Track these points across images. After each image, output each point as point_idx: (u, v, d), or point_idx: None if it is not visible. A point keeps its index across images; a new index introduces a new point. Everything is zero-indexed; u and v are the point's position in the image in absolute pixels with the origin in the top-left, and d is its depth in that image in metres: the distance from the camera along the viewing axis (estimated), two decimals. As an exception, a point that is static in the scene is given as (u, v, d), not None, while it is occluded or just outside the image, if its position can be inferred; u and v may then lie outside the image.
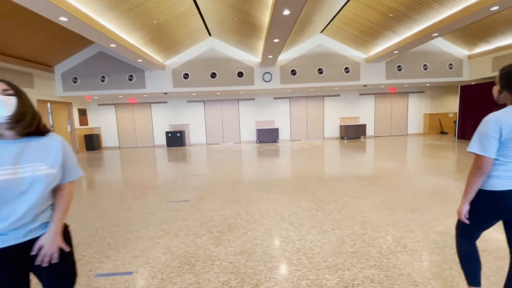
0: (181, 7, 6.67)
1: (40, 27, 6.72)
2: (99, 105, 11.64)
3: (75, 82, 9.53)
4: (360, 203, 3.38)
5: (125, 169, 6.78)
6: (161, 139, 11.92)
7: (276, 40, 6.69)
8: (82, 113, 11.12)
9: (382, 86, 11.22)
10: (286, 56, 9.84)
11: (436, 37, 7.01)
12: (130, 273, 2.06)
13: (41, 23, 6.46)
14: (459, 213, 1.47)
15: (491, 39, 8.75)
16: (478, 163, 1.36)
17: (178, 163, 7.41)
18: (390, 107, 12.36)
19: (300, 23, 7.11)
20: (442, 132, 12.34)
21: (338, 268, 2.00)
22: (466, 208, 1.45)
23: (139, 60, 8.22)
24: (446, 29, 6.41)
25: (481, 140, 1.34)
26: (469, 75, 10.07)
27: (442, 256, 2.11)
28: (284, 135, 12.24)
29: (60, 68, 9.49)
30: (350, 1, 7.08)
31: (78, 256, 2.31)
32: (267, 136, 11.73)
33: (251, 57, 9.72)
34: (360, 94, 12.11)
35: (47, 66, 9.13)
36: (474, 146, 1.37)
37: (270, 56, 8.34)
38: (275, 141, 11.85)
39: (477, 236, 1.52)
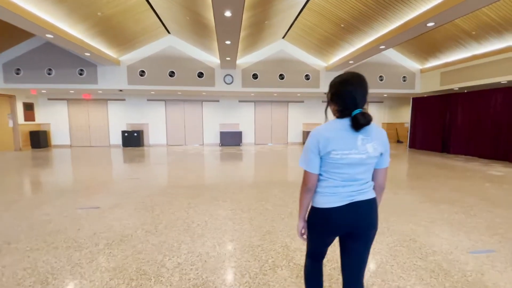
0: (129, 0, 6.34)
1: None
2: (49, 99, 10.84)
3: (17, 73, 8.77)
4: (276, 211, 3.30)
5: (58, 169, 6.28)
6: (117, 139, 11.34)
7: (227, 42, 6.57)
8: (28, 107, 10.29)
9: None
10: (248, 59, 9.77)
11: (384, 49, 7.26)
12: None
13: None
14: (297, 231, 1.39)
15: (439, 55, 9.28)
16: (304, 179, 1.28)
17: (120, 164, 7.02)
18: (351, 115, 12.69)
19: (254, 26, 7.06)
20: (398, 141, 12.90)
21: (207, 287, 1.86)
22: (300, 225, 1.37)
23: (86, 54, 7.72)
24: (391, 42, 6.66)
25: (305, 154, 1.26)
26: (421, 88, 10.61)
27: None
28: (248, 138, 12.15)
29: (3, 58, 8.70)
30: (305, 10, 7.17)
31: None
32: (231, 139, 11.57)
33: (212, 58, 9.53)
34: (323, 101, 12.34)
35: (-16, 55, 8.33)
36: (300, 160, 1.29)
37: (228, 58, 8.21)
38: (239, 145, 11.72)
39: (320, 254, 1.44)
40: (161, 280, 1.94)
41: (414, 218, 3.13)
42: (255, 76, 9.88)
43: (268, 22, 7.03)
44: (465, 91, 9.34)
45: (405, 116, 12.87)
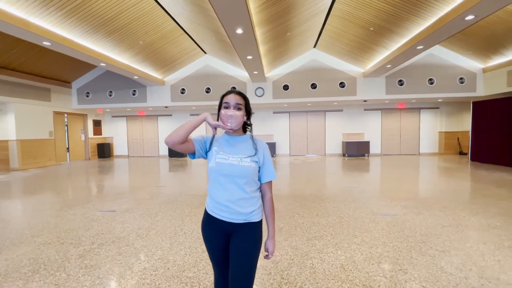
0: (164, 28, 7.18)
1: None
2: (112, 116, 12.78)
3: (87, 96, 10.65)
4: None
5: (110, 175, 7.30)
6: (165, 150, 12.57)
7: (249, 57, 6.80)
8: (97, 124, 12.29)
9: (386, 102, 10.54)
10: (279, 71, 9.86)
11: (422, 49, 6.48)
12: (-20, 275, 2.25)
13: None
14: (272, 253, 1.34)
15: (504, 50, 7.78)
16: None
17: (153, 173, 7.75)
18: (399, 124, 11.48)
19: (276, 39, 7.14)
20: (461, 153, 11.04)
21: (152, 292, 1.96)
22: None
23: (135, 77, 8.94)
24: (429, 41, 5.91)
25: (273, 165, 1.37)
26: (484, 90, 8.99)
27: None
28: (283, 149, 12.06)
29: (76, 84, 10.71)
30: (330, 17, 6.97)
31: (-39, 254, 2.57)
32: (265, 150, 11.64)
33: (243, 73, 9.92)
34: (365, 110, 11.50)
35: (65, 82, 10.38)
36: (275, 173, 1.34)
37: (256, 72, 8.44)
38: (272, 156, 11.71)
39: None
40: (121, 281, 2.11)
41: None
42: (285, 87, 9.88)
43: (290, 34, 7.04)
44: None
45: (468, 123, 10.98)
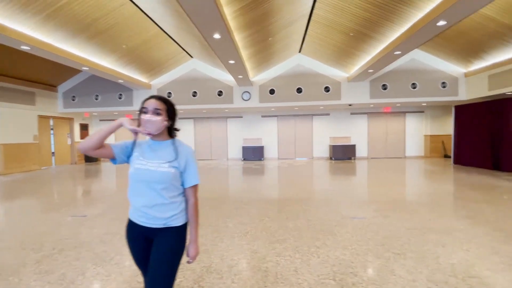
0: (147, 33, 7.20)
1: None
2: (100, 120, 12.70)
3: (73, 100, 10.59)
4: (237, 229, 3.22)
5: (90, 180, 7.24)
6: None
7: (231, 62, 6.86)
8: (84, 127, 12.21)
9: (371, 106, 10.67)
10: (264, 75, 9.94)
11: (400, 55, 6.61)
12: None
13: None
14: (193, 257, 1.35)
15: (485, 55, 7.96)
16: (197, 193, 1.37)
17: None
18: (385, 127, 11.62)
19: (258, 44, 7.21)
20: (446, 156, 11.20)
21: (99, 298, 1.94)
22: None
23: (120, 81, 8.93)
24: (405, 47, 6.03)
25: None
26: (466, 94, 9.16)
27: None
28: (271, 153, 12.09)
29: (62, 88, 10.65)
30: (311, 23, 7.07)
31: None
32: (253, 154, 11.68)
33: (230, 77, 9.97)
34: (351, 114, 11.62)
35: (51, 86, 10.32)
36: (198, 176, 1.35)
37: (240, 76, 8.50)
38: (260, 159, 11.73)
39: None
40: (69, 287, 2.09)
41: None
42: (272, 92, 9.95)
43: (272, 39, 7.12)
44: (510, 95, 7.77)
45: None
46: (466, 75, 9.15)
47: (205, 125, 12.37)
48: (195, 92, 10.15)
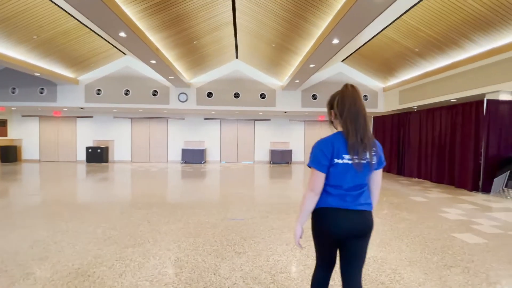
0: (63, 24, 6.72)
1: None
2: (22, 116, 11.48)
3: (-16, 92, 9.42)
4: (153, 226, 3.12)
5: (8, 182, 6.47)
6: (84, 155, 11.64)
7: (153, 62, 6.73)
8: (1, 123, 10.92)
9: (306, 113, 11.27)
10: (202, 78, 9.94)
11: (315, 68, 7.10)
12: None
13: None
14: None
15: (396, 73, 8.96)
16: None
17: (45, 181, 7.12)
18: (319, 134, 12.36)
19: (182, 46, 7.19)
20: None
21: None
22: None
23: (36, 74, 8.19)
24: (315, 60, 6.49)
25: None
26: (384, 107, 10.19)
27: None
28: (213, 156, 12.07)
29: (-29, 78, 9.43)
30: (238, 31, 7.26)
31: None
32: (193, 156, 11.53)
33: (166, 77, 9.78)
34: (290, 120, 12.15)
35: (-45, 75, 9.06)
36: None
37: (172, 77, 8.38)
38: (201, 162, 11.63)
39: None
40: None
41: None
42: (209, 95, 9.98)
43: (197, 42, 7.16)
44: (415, 109, 8.88)
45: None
46: (384, 89, 10.19)
47: (144, 125, 11.90)
48: (127, 90, 9.72)
